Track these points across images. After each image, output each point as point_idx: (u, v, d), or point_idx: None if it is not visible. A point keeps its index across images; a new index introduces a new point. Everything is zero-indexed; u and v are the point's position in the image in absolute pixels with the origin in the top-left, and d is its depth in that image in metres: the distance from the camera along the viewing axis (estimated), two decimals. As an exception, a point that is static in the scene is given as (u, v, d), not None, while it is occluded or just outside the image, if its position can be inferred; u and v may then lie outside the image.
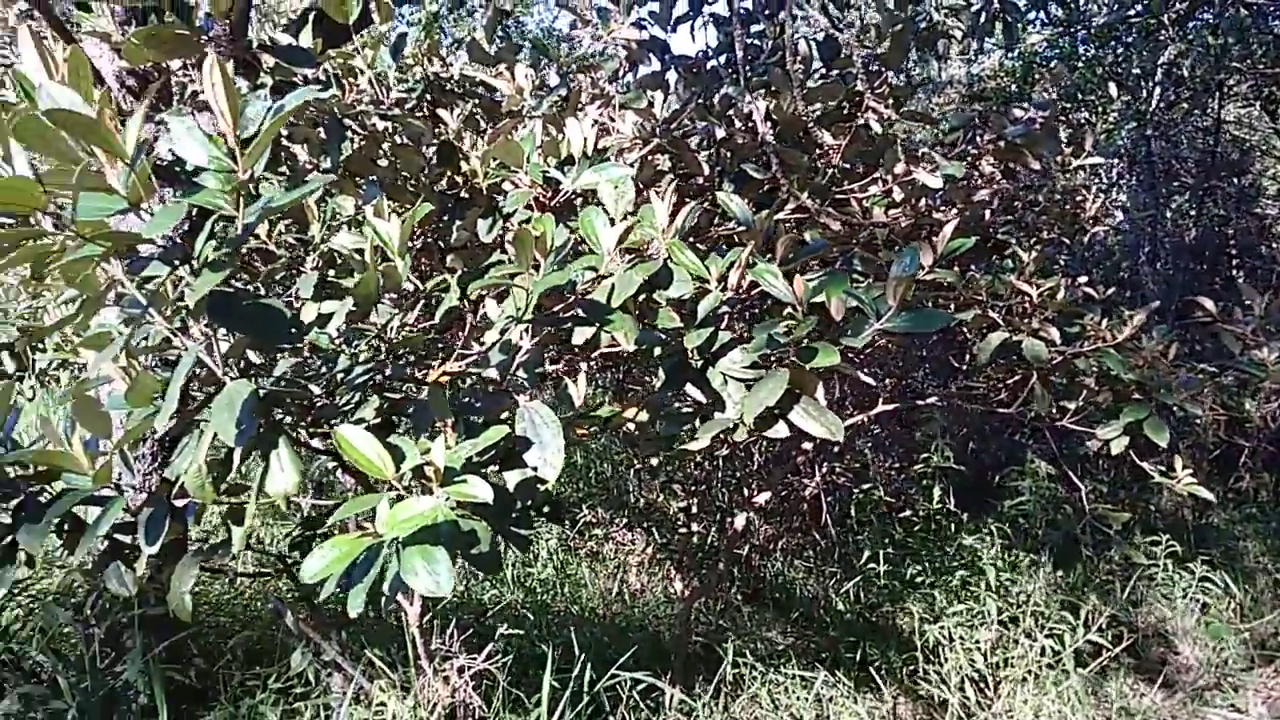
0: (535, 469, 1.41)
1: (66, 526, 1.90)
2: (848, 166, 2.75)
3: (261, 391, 1.41)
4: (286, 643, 2.50)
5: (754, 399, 1.55)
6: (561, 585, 4.12)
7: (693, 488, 4.08)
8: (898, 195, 2.70)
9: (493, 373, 1.51)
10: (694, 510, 4.03)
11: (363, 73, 2.10)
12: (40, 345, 3.32)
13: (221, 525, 2.11)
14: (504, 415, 1.56)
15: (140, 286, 1.86)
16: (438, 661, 2.21)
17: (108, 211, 1.15)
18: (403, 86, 2.26)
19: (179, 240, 1.20)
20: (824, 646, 3.80)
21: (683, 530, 4.32)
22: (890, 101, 2.59)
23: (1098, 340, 2.67)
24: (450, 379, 1.75)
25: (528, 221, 2.17)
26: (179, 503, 1.59)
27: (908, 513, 4.18)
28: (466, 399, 1.67)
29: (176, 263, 1.18)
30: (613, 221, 1.59)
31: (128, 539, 1.96)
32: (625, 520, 4.93)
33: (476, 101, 2.40)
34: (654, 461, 4.42)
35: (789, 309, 1.68)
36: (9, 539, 1.88)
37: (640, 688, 2.68)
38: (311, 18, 2.03)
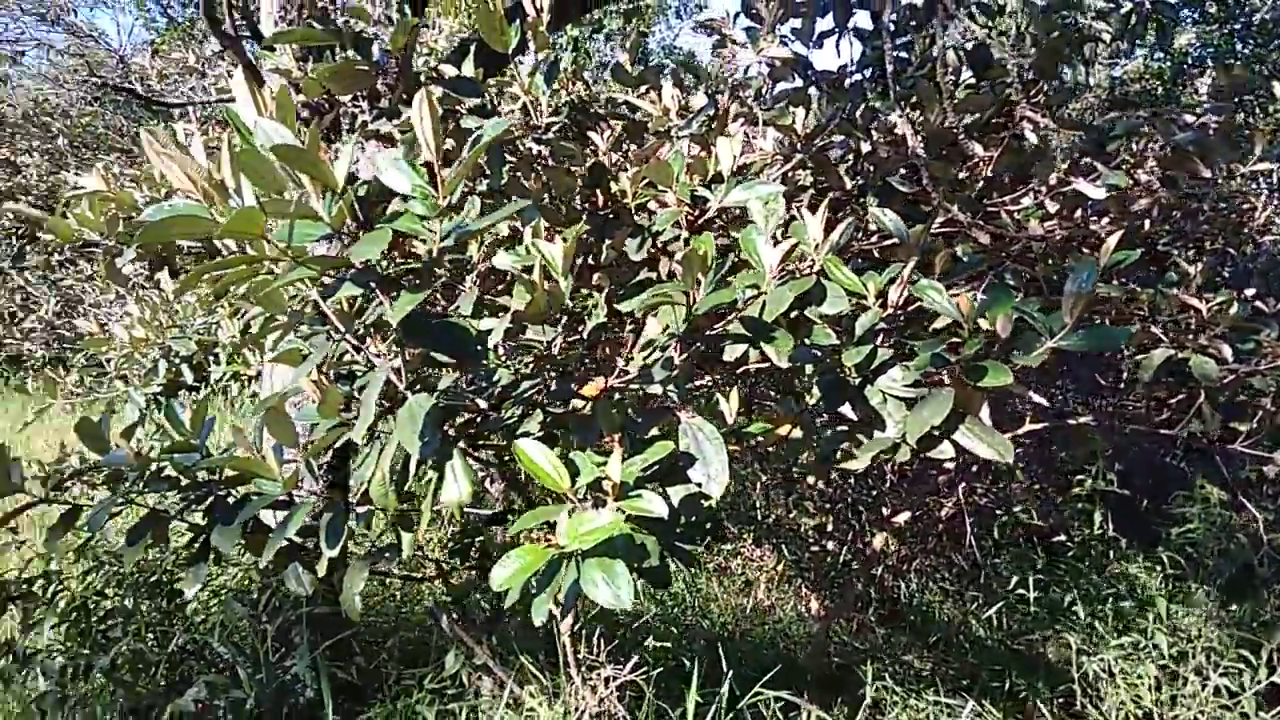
0: (699, 485, 1.42)
1: (248, 528, 2.04)
2: (995, 178, 2.66)
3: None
4: (440, 645, 2.60)
5: (918, 418, 1.52)
6: (692, 600, 4.13)
7: (827, 505, 4.02)
8: (1051, 207, 2.60)
9: (656, 389, 1.53)
10: (828, 528, 3.96)
11: (517, 98, 2.18)
12: (214, 358, 3.59)
13: (388, 531, 2.22)
14: (663, 431, 1.58)
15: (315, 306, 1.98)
16: (585, 670, 2.26)
17: (313, 237, 1.24)
18: (549, 110, 2.34)
19: (370, 263, 1.28)
20: (965, 673, 3.66)
21: (814, 548, 4.26)
22: (1044, 110, 2.50)
23: (1276, 358, 2.50)
24: (602, 395, 1.79)
25: (676, 239, 2.22)
26: (361, 509, 1.69)
27: (1060, 537, 3.99)
28: (623, 415, 1.70)
29: (372, 284, 1.26)
30: (776, 240, 1.60)
31: (293, 540, 2.10)
32: (752, 535, 4.90)
33: (622, 123, 2.46)
34: (783, 478, 4.38)
35: (948, 327, 1.64)
36: (202, 538, 2.05)
37: (779, 705, 2.65)
38: (473, 49, 2.14)
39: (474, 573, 2.25)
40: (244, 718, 2.31)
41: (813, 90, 2.65)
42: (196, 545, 2.00)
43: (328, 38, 1.74)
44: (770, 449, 2.00)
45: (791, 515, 4.56)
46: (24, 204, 8.45)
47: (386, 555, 2.06)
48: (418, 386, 1.45)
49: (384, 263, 1.52)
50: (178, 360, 3.48)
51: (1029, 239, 2.52)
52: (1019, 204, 2.62)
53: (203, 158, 1.44)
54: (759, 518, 5.03)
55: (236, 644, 2.40)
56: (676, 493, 1.50)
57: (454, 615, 2.47)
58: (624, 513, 1.20)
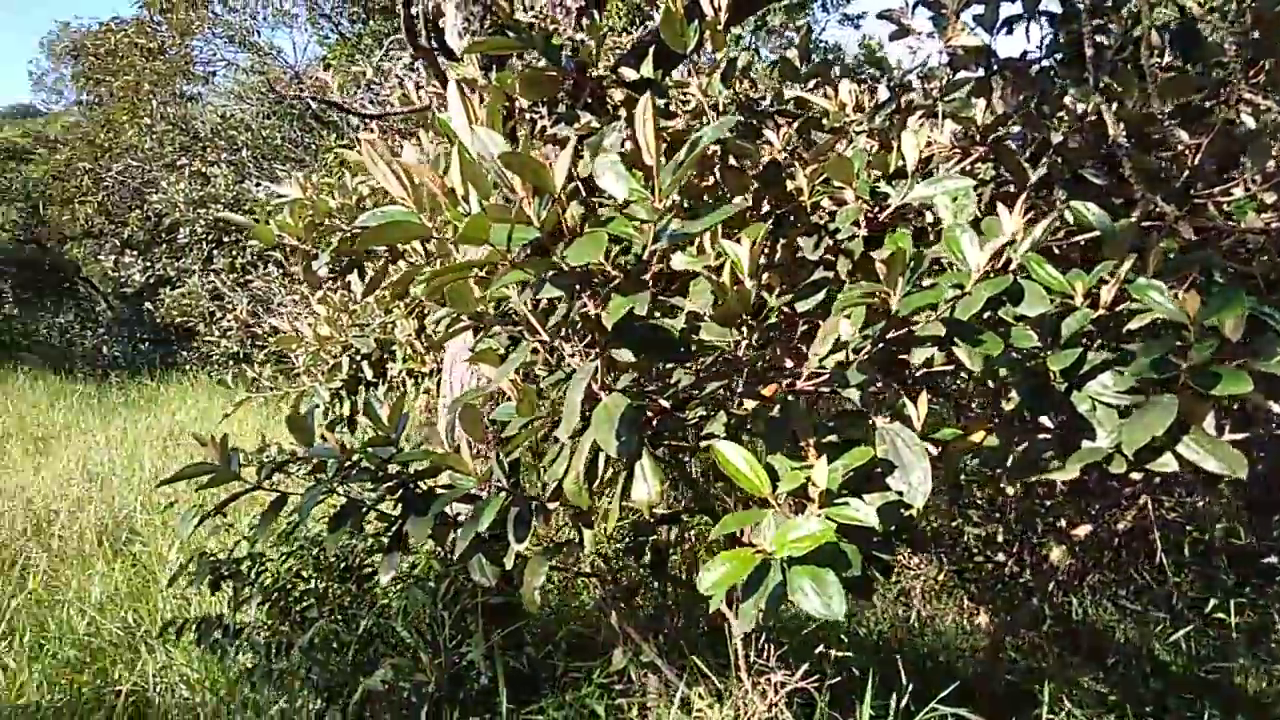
0: (900, 494, 1.37)
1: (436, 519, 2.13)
2: (1200, 167, 2.45)
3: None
4: (606, 640, 2.64)
5: (1138, 428, 1.41)
6: (852, 606, 4.02)
7: (996, 515, 3.83)
8: (1268, 198, 2.37)
9: (852, 392, 1.49)
10: (997, 539, 3.78)
11: (693, 98, 2.18)
12: (391, 356, 3.78)
13: (565, 527, 2.28)
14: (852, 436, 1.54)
15: (497, 306, 2.04)
16: (755, 674, 2.24)
17: (524, 240, 1.27)
18: (723, 110, 2.32)
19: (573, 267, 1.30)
20: (1149, 700, 3.41)
21: (979, 559, 4.06)
22: (1264, 92, 2.28)
23: None
24: (774, 396, 1.76)
25: (853, 238, 2.16)
26: (550, 506, 1.73)
27: (1272, 559, 3.64)
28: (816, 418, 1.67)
29: (576, 286, 1.28)
30: (979, 238, 1.53)
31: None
32: (907, 541, 4.72)
33: (795, 120, 2.41)
34: (947, 486, 4.20)
35: (1147, 327, 1.52)
36: (396, 528, 2.16)
37: (952, 723, 2.54)
38: (652, 50, 2.15)
39: (645, 571, 2.27)
40: (425, 700, 2.42)
41: (994, 80, 2.53)
42: (389, 535, 2.11)
43: (520, 45, 1.79)
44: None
45: (955, 524, 4.37)
46: (216, 211, 9.20)
47: (564, 550, 2.11)
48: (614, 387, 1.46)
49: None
50: (358, 357, 3.69)
51: (1244, 232, 2.31)
52: (1229, 195, 2.41)
53: (416, 165, 1.51)
54: (918, 525, 4.86)
55: (419, 630, 2.52)
56: (873, 500, 1.45)
57: (621, 611, 2.50)
58: (832, 520, 1.17)
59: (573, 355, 1.52)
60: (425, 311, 3.51)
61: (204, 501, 4.43)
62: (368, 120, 4.80)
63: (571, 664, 2.68)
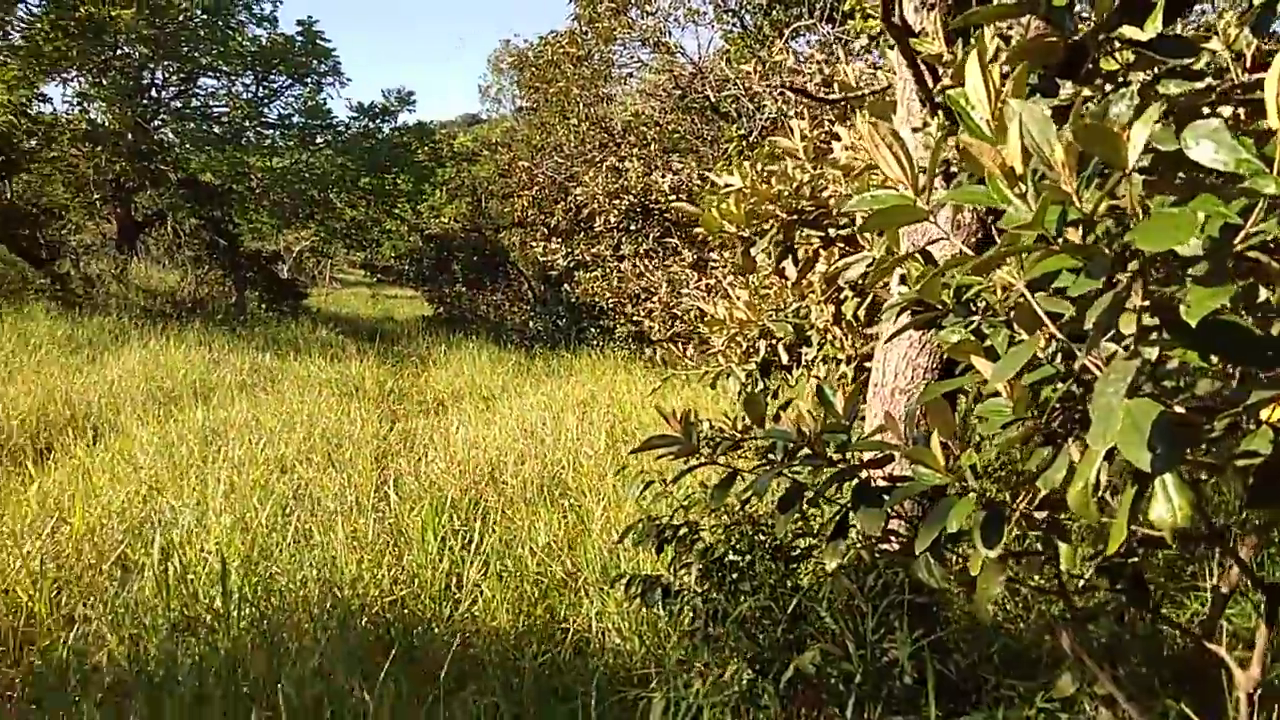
0: None
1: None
2: None
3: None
4: (1050, 662, 2.41)
5: None
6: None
7: None
8: None
9: None
10: None
11: (1215, 53, 1.86)
12: (806, 341, 3.81)
13: (1023, 535, 2.11)
14: None
15: (956, 296, 1.91)
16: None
17: (1065, 221, 1.15)
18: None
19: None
20: None
21: None
22: None
23: None
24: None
25: None
26: (1039, 515, 1.59)
27: None
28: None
29: (1119, 278, 1.13)
30: None
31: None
32: None
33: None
34: None
35: None
36: (841, 515, 2.15)
37: None
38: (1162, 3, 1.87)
39: (1120, 597, 2.02)
40: (852, 691, 2.39)
41: None
42: (833, 521, 2.11)
43: (1017, 10, 1.65)
44: None
45: None
46: (629, 200, 10.06)
47: (1023, 561, 1.94)
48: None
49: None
50: (775, 341, 3.77)
51: None
52: None
53: (916, 150, 1.45)
54: None
55: (845, 619, 2.50)
56: None
57: (1075, 634, 2.25)
58: None
59: (1085, 354, 1.36)
60: (843, 298, 3.48)
61: (642, 466, 4.87)
62: (820, 105, 4.88)
63: (1004, 680, 2.49)
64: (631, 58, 12.25)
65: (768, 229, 2.93)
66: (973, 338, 1.68)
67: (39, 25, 13.90)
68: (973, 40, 2.12)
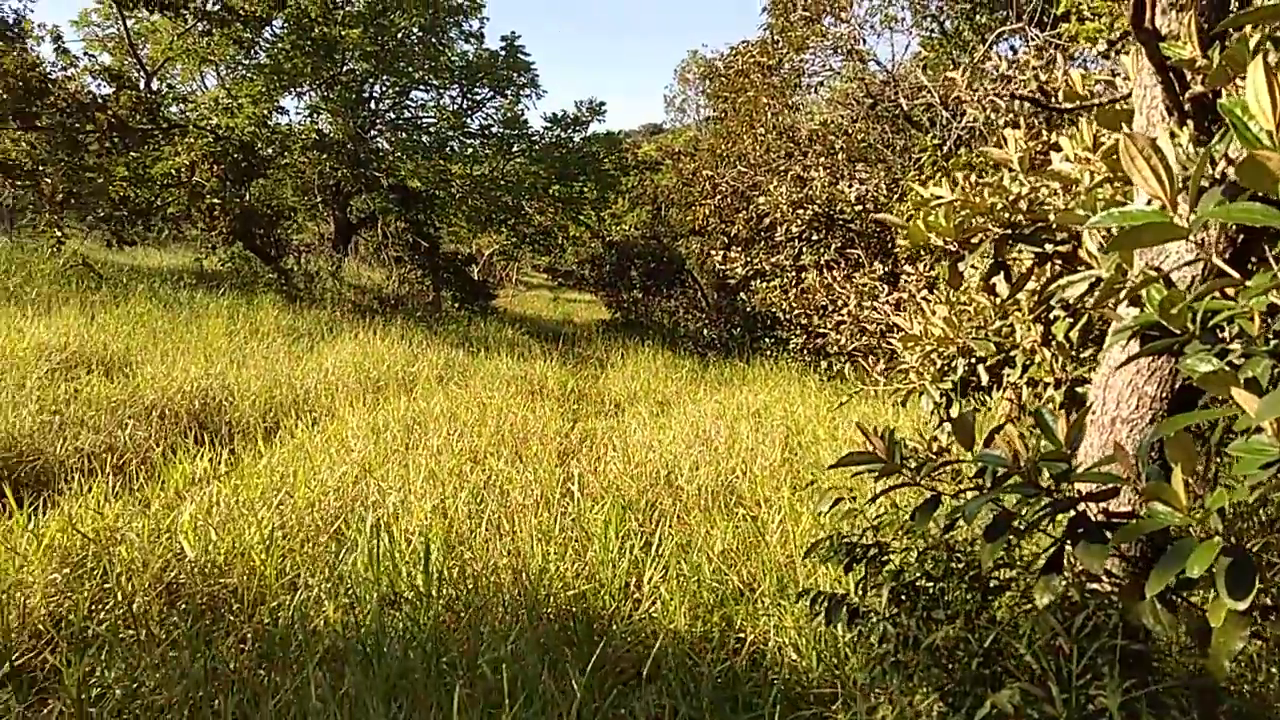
0: None
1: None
2: None
3: None
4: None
5: None
6: None
7: None
8: None
9: None
10: None
11: None
12: (1010, 362, 3.61)
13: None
14: None
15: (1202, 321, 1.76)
16: None
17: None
18: None
19: None
20: None
21: None
22: None
23: None
24: None
25: None
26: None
27: None
28: None
29: None
30: None
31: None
32: None
33: None
34: None
35: None
36: (1056, 549, 2.03)
37: None
38: None
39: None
40: (1053, 735, 2.25)
41: None
42: (1047, 556, 1.99)
43: None
44: None
45: None
46: (814, 210, 9.91)
47: (1273, 618, 1.76)
48: None
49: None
50: (975, 360, 3.60)
51: None
52: None
53: (1174, 161, 1.35)
54: None
55: (1048, 658, 2.35)
56: None
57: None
58: None
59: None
60: (1054, 317, 3.27)
61: (826, 480, 4.80)
62: (1034, 113, 4.64)
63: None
64: (823, 66, 12.07)
65: (976, 243, 2.81)
66: (1227, 368, 1.54)
67: (280, 45, 15.49)
68: (1230, 43, 1.95)
